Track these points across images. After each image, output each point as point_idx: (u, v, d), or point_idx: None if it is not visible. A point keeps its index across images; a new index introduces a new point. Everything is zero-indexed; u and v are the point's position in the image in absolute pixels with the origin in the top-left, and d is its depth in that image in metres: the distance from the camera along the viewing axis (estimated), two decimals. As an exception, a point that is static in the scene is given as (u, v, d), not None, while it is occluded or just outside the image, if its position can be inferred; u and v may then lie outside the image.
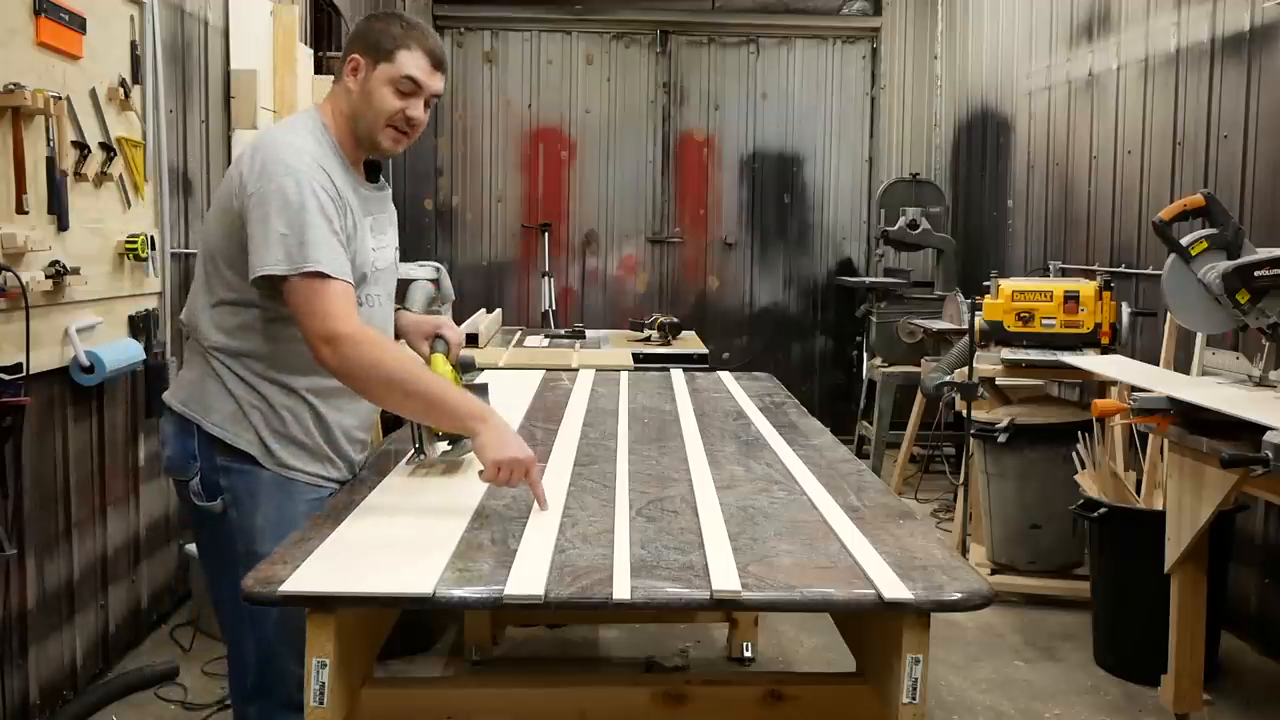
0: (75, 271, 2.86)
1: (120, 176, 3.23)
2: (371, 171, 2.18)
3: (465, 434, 1.99)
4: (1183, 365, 3.71)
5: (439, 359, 2.21)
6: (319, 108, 2.12)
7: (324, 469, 2.11)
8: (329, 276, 1.91)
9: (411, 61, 2.02)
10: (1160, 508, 3.36)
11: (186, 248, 3.74)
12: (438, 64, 2.06)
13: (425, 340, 2.28)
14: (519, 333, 5.14)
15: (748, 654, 3.49)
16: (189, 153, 3.80)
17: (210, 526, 2.08)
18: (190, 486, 2.05)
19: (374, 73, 2.03)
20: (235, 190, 1.97)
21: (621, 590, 1.55)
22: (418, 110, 2.05)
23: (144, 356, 3.30)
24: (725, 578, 1.59)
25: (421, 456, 2.18)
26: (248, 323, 2.02)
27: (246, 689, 2.08)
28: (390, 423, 2.45)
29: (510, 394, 2.38)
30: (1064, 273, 4.89)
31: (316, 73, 4.76)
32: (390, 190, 2.26)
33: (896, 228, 6.14)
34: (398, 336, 2.32)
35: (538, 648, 3.60)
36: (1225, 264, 2.93)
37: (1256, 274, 2.86)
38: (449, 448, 2.20)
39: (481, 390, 2.28)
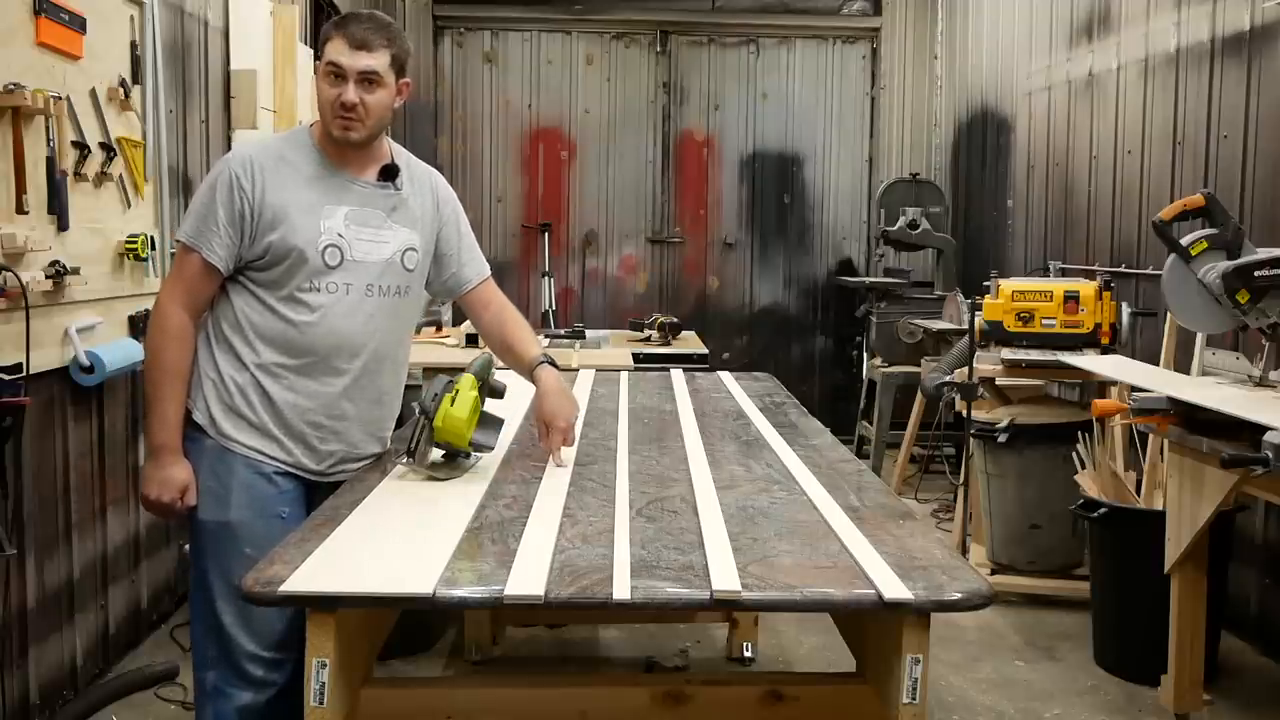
0: (75, 271, 2.86)
1: (120, 176, 3.23)
2: (386, 175, 2.27)
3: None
4: (1183, 365, 3.71)
5: (468, 379, 2.20)
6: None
7: (267, 446, 2.18)
8: (185, 246, 2.15)
9: (332, 49, 2.15)
10: (1160, 508, 3.36)
11: (186, 248, 3.73)
12: (358, 45, 2.14)
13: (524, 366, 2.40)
14: (519, 333, 5.13)
15: (748, 654, 3.49)
16: (189, 153, 3.80)
17: None
18: None
19: (317, 73, 2.20)
20: None
21: (621, 590, 1.55)
22: (349, 94, 2.14)
23: (144, 356, 3.29)
24: (725, 578, 1.59)
25: (410, 461, 2.18)
26: (217, 293, 2.20)
27: (205, 656, 2.16)
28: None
29: (511, 394, 2.37)
30: (1064, 273, 4.89)
31: (316, 73, 4.76)
32: (405, 194, 2.30)
33: (896, 228, 6.14)
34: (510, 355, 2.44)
35: (538, 648, 3.60)
36: (1225, 264, 2.93)
37: (1256, 274, 2.86)
38: (441, 460, 2.20)
39: (496, 424, 2.27)
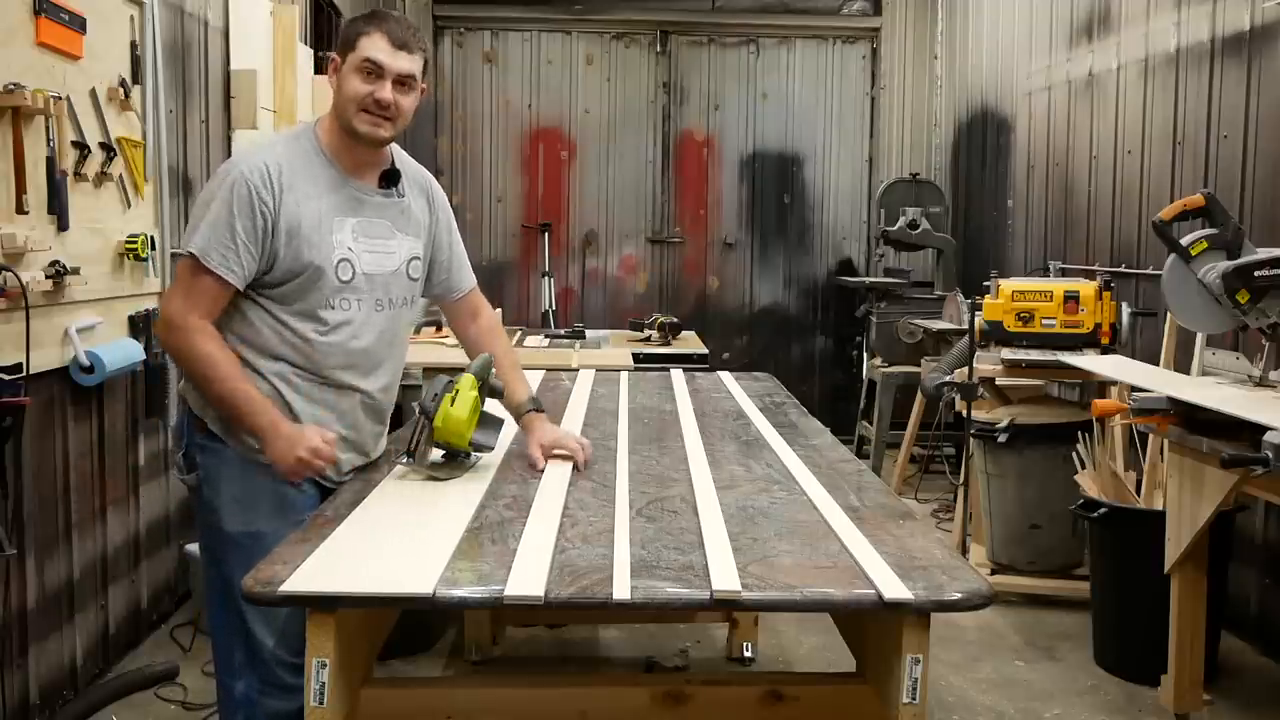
0: (75, 271, 2.86)
1: (120, 176, 3.23)
2: (387, 180, 2.24)
3: (256, 437, 2.09)
4: (1183, 365, 3.71)
5: (468, 379, 2.20)
6: (322, 116, 2.24)
7: None
8: (200, 264, 2.04)
9: (370, 44, 2.10)
10: (1160, 508, 3.36)
11: (186, 248, 3.73)
12: (399, 45, 2.11)
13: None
14: (519, 333, 5.14)
15: (748, 654, 3.49)
16: (189, 153, 3.80)
17: (195, 502, 2.23)
18: (177, 460, 2.21)
19: (344, 65, 2.13)
20: None
21: (621, 590, 1.55)
22: (385, 91, 2.10)
23: (144, 356, 3.29)
24: (725, 578, 1.59)
25: (410, 461, 2.18)
26: (226, 304, 2.13)
27: (232, 665, 2.13)
28: (390, 423, 2.45)
29: (510, 394, 2.37)
30: (1064, 273, 4.89)
31: (316, 73, 4.77)
32: (407, 201, 2.28)
33: (896, 228, 6.14)
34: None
35: (538, 648, 3.60)
36: (1225, 264, 2.93)
37: (1256, 274, 2.86)
38: (441, 460, 2.20)
39: (496, 424, 2.27)
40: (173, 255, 2.15)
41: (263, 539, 2.06)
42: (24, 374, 2.62)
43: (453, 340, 4.47)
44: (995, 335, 4.14)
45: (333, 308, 2.13)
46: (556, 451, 2.33)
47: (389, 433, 2.42)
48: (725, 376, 3.69)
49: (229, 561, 2.12)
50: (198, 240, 2.04)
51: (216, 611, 2.17)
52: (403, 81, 2.12)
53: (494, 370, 2.31)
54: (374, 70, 2.09)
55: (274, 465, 2.06)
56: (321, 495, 2.21)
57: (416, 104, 2.19)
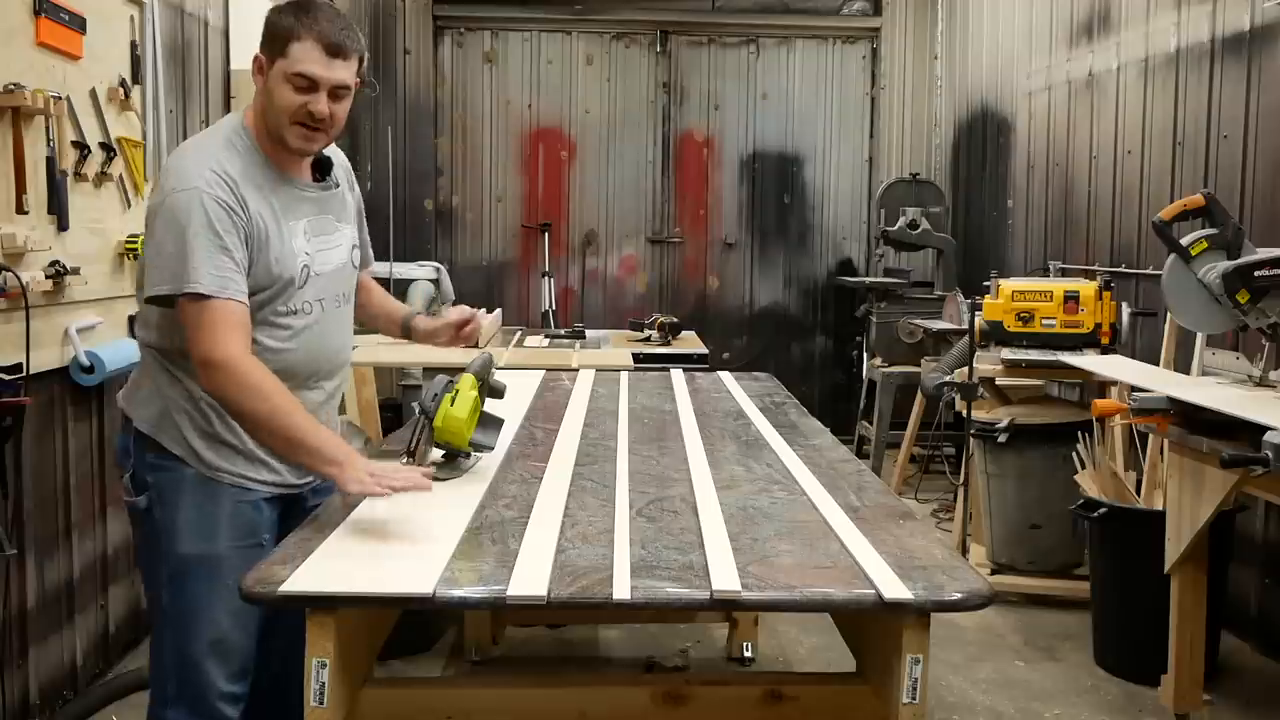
0: (75, 271, 2.86)
1: (120, 176, 3.23)
2: (320, 170, 2.14)
3: (324, 477, 1.94)
4: (1183, 365, 3.71)
5: (468, 379, 2.20)
6: (247, 109, 2.07)
7: (254, 471, 2.05)
8: (209, 297, 1.87)
9: (303, 54, 1.93)
10: (1160, 508, 3.36)
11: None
12: (335, 52, 1.94)
13: (445, 337, 2.39)
14: (519, 333, 5.13)
15: (748, 654, 3.49)
16: (189, 153, 3.79)
17: (140, 524, 2.08)
18: (123, 482, 2.08)
19: (272, 70, 1.96)
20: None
21: (621, 590, 1.55)
22: (320, 105, 1.95)
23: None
24: (725, 578, 1.59)
25: (409, 461, 2.16)
26: (174, 318, 1.95)
27: (165, 693, 2.02)
28: (389, 424, 2.45)
29: (510, 394, 2.37)
30: (1064, 273, 4.89)
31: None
32: (342, 189, 2.19)
33: (896, 228, 6.13)
34: (408, 335, 2.40)
35: (538, 648, 3.60)
36: (1225, 264, 2.93)
37: (1256, 274, 2.86)
38: (441, 460, 2.20)
39: (496, 424, 2.27)
40: (160, 298, 1.94)
41: (219, 562, 1.98)
42: (24, 374, 2.63)
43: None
44: (995, 335, 4.14)
45: (295, 313, 2.04)
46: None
47: (387, 433, 2.42)
48: (725, 376, 3.69)
49: (179, 584, 2.00)
50: (197, 276, 1.87)
51: (162, 637, 2.05)
52: (337, 92, 1.98)
53: (494, 370, 2.31)
54: (307, 84, 1.94)
55: (342, 488, 1.88)
56: (280, 517, 2.12)
57: (350, 105, 2.04)
